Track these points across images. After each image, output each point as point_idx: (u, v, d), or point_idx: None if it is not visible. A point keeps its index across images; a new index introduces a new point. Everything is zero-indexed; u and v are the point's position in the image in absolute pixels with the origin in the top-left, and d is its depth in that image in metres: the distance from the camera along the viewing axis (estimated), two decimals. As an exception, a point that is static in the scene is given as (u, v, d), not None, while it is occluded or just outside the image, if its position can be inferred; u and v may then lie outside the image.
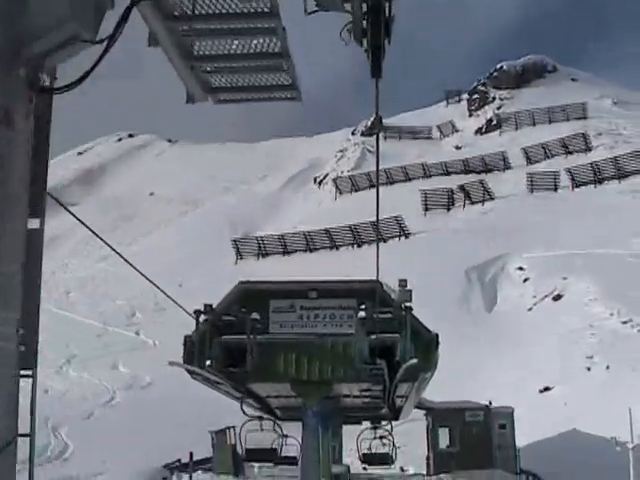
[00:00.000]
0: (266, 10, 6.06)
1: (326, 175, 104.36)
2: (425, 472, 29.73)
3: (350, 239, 70.85)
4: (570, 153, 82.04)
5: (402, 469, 33.47)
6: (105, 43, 5.29)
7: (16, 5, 5.05)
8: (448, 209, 74.50)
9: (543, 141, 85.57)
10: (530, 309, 49.40)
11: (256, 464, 28.11)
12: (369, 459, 27.05)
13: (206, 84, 6.95)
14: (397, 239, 67.33)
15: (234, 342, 17.35)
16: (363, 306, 17.04)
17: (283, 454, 24.51)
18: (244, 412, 18.66)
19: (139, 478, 21.81)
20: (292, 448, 23.00)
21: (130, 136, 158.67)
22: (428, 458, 29.67)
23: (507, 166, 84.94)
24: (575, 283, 47.96)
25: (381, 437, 26.43)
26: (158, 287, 14.02)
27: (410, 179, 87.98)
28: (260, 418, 20.64)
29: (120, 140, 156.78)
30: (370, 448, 26.80)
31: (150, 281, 13.37)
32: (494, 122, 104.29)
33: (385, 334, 16.91)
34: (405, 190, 79.60)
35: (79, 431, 39.33)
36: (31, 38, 5.08)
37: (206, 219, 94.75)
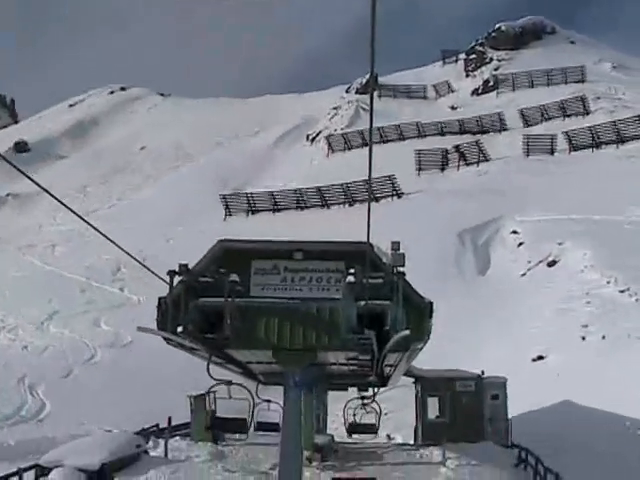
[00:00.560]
0: None
1: (319, 132, 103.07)
2: (413, 442, 28.66)
3: (342, 197, 70.10)
4: (568, 116, 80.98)
5: (389, 436, 32.60)
6: None
7: None
8: (442, 169, 73.51)
9: (541, 103, 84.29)
10: (524, 274, 48.32)
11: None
12: (354, 429, 26.09)
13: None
14: (390, 199, 66.37)
15: (211, 306, 16.10)
16: (352, 270, 15.72)
17: (267, 420, 23.49)
18: (211, 376, 17.39)
19: (112, 444, 20.63)
20: (276, 414, 21.82)
21: (122, 89, 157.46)
22: (416, 428, 28.61)
23: (503, 127, 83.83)
24: (571, 249, 46.80)
25: (364, 404, 25.44)
26: (125, 251, 12.98)
27: (404, 138, 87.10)
28: (228, 383, 19.25)
29: (112, 93, 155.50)
30: (354, 416, 25.85)
31: (117, 245, 12.24)
32: (491, 83, 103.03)
33: (375, 300, 15.69)
34: (399, 149, 78.46)
35: (57, 390, 38.33)
36: None
37: (197, 174, 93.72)
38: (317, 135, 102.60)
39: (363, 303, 15.59)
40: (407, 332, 14.85)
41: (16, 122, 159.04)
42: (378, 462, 23.17)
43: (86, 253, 63.97)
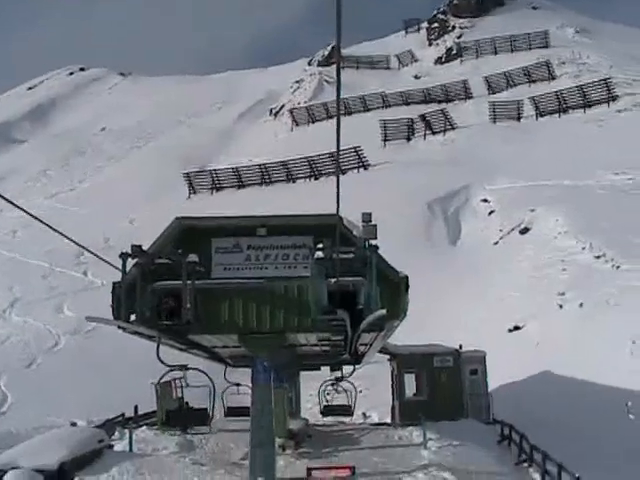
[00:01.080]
0: None
1: (282, 106, 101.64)
2: (390, 421, 27.68)
3: (307, 171, 69.01)
4: (533, 82, 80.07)
5: (365, 415, 31.67)
6: None
7: None
8: (408, 139, 72.44)
9: (505, 70, 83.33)
10: (496, 243, 47.47)
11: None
12: (329, 411, 25.12)
13: None
14: (356, 171, 65.20)
15: (169, 289, 14.89)
16: (321, 245, 14.56)
17: (239, 405, 22.45)
18: (161, 361, 16.22)
19: (72, 440, 19.39)
20: (248, 398, 20.63)
21: (82, 70, 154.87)
22: (393, 407, 27.62)
23: (469, 95, 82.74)
24: (543, 215, 45.88)
25: (335, 383, 24.48)
26: (76, 243, 11.96)
27: (369, 109, 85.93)
28: (183, 368, 18.03)
29: (72, 74, 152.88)
30: (328, 397, 24.90)
31: (67, 237, 11.11)
32: (454, 51, 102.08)
33: (347, 277, 14.57)
34: (364, 121, 77.22)
35: (20, 381, 37.11)
36: None
37: (159, 153, 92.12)
38: (280, 109, 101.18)
39: (334, 280, 14.51)
40: (383, 312, 13.75)
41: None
42: (355, 446, 22.12)
43: (48, 238, 62.12)
